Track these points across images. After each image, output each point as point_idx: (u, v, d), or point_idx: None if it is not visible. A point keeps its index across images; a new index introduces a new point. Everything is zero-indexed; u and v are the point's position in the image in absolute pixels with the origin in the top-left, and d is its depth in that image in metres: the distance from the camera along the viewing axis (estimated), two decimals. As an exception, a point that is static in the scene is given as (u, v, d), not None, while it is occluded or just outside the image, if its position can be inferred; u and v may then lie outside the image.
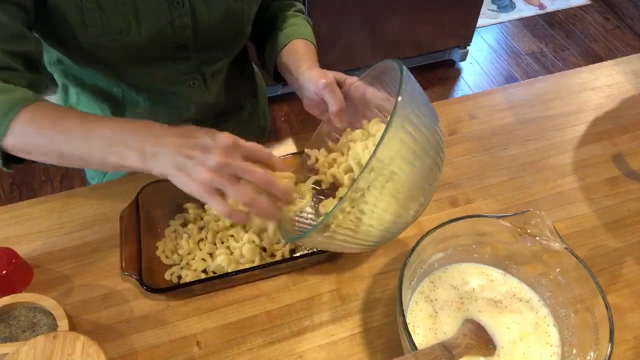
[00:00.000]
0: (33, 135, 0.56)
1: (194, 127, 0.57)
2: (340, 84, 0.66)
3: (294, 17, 0.84)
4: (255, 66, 0.99)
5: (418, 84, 0.55)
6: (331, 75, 0.66)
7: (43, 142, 0.56)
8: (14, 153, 0.58)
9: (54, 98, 0.84)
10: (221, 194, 0.54)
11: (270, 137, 1.07)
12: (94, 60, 0.72)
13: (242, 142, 0.56)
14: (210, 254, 0.69)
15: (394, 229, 0.57)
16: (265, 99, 1.03)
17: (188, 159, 0.53)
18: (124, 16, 0.65)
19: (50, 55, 0.78)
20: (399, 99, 0.48)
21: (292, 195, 0.60)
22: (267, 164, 0.58)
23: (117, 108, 0.80)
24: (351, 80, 0.66)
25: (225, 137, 0.55)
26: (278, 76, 0.85)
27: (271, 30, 0.83)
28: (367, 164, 0.48)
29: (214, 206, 0.54)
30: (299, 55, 0.77)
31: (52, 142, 0.56)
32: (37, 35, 0.67)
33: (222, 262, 0.66)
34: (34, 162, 0.61)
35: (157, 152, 0.54)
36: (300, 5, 0.87)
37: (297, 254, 0.67)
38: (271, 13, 0.85)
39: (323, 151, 0.67)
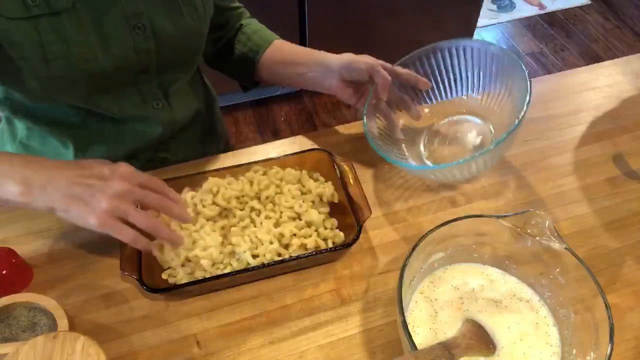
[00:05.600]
0: None
1: (88, 160, 0.58)
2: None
3: (253, 24, 0.88)
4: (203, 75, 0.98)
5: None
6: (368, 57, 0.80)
7: None
8: None
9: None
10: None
11: (235, 145, 1.08)
12: (55, 94, 0.69)
13: (139, 172, 0.59)
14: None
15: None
16: (218, 106, 1.01)
17: (86, 188, 0.53)
18: (88, 45, 0.64)
19: None
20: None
21: (189, 216, 0.64)
22: (162, 193, 0.62)
23: (78, 138, 0.78)
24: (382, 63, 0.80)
25: (124, 166, 0.57)
26: (249, 84, 0.92)
27: (238, 40, 0.87)
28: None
29: (120, 235, 0.55)
30: (298, 49, 0.83)
31: None
32: None
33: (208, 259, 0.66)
34: None
35: (47, 184, 0.53)
36: (244, 9, 0.90)
37: (297, 254, 0.67)
38: (230, 26, 0.88)
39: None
